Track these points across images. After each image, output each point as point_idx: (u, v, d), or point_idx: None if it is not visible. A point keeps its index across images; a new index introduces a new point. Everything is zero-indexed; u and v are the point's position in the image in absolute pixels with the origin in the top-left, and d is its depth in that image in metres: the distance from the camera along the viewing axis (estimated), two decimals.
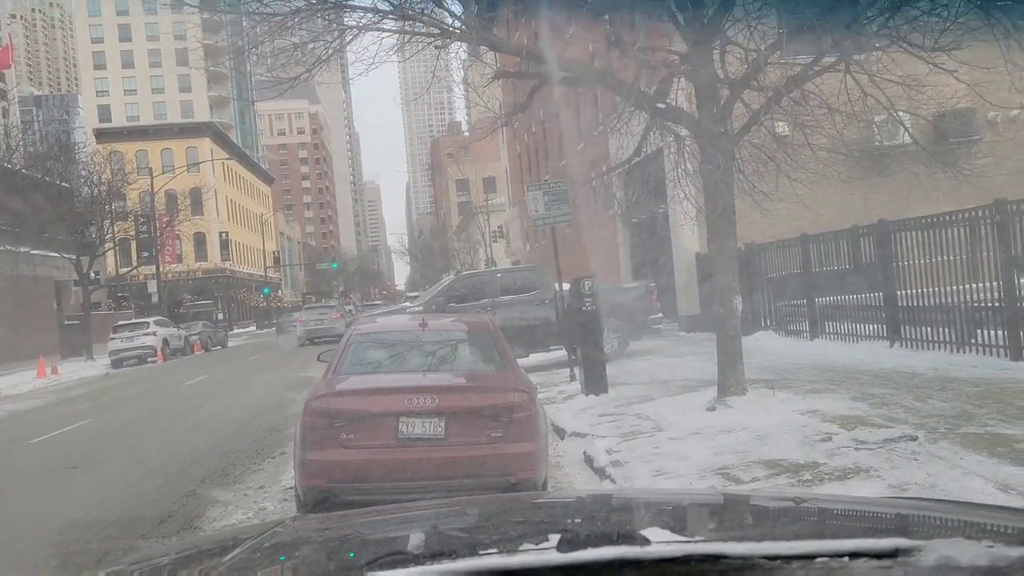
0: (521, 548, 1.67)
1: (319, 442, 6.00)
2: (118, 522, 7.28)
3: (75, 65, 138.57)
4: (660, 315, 18.69)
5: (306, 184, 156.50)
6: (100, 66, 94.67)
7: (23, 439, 13.69)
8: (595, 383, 11.25)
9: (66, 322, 41.62)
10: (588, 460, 7.89)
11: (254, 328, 71.84)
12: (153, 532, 6.79)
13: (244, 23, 11.34)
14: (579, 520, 2.08)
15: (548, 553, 1.52)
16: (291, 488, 7.16)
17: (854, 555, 1.37)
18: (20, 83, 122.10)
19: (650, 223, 23.55)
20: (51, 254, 38.64)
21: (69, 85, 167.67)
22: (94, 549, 6.47)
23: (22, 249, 37.09)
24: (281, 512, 7.07)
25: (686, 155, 10.42)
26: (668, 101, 10.22)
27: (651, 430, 8.61)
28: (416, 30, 9.77)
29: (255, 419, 13.26)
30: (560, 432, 9.30)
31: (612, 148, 19.86)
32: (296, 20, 9.56)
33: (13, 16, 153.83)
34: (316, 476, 6.01)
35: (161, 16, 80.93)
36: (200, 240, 70.19)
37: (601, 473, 7.35)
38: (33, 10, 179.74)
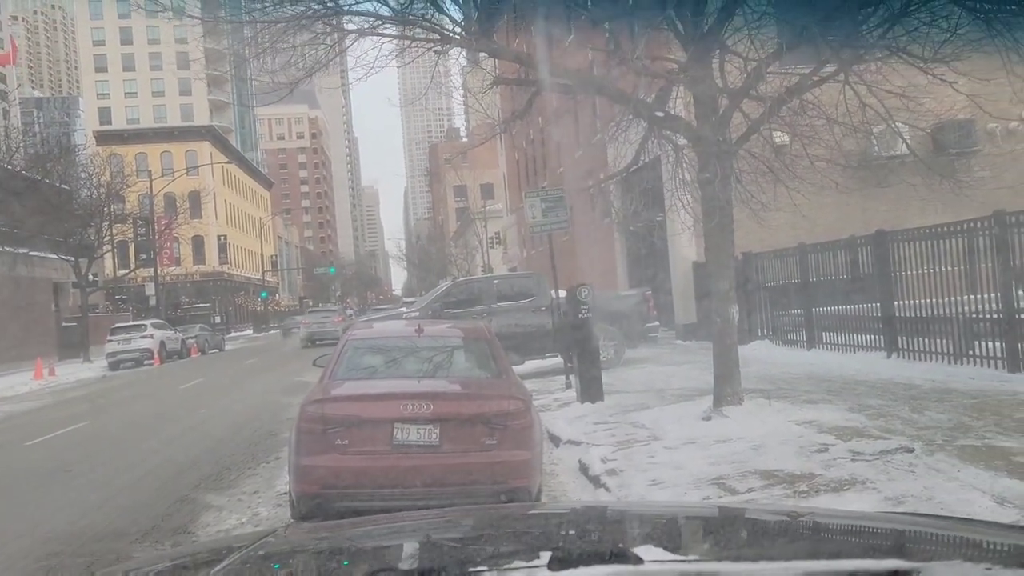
0: (511, 565, 1.65)
1: (314, 447, 5.98)
2: (112, 526, 7.26)
3: (76, 67, 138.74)
4: (657, 323, 18.65)
5: (305, 188, 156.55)
6: (101, 68, 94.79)
7: (19, 441, 13.64)
8: (591, 391, 11.22)
9: (64, 324, 41.58)
10: (583, 468, 7.87)
11: (251, 331, 71.76)
12: (147, 537, 6.77)
13: (245, 30, 11.34)
14: (572, 535, 2.05)
15: (539, 572, 1.49)
16: (285, 493, 7.13)
17: None
18: (21, 85, 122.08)
19: (647, 231, 23.54)
20: (49, 256, 38.60)
21: (70, 87, 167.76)
22: (89, 552, 6.45)
23: (21, 250, 37.05)
24: (275, 518, 7.05)
25: (684, 164, 10.40)
26: (667, 110, 10.21)
27: (647, 439, 8.58)
28: (416, 36, 9.77)
29: (250, 423, 13.24)
30: (555, 440, 9.27)
31: (610, 156, 19.86)
32: (297, 26, 9.56)
33: (15, 18, 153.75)
34: (310, 482, 5.99)
35: (162, 20, 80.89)
36: (198, 243, 70.20)
37: (596, 482, 7.32)
38: (35, 12, 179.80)
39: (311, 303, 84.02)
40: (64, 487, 9.28)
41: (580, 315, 11.45)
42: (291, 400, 13.33)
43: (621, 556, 1.53)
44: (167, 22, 78.22)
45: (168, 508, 7.74)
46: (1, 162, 35.78)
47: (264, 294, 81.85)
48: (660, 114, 9.99)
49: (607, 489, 6.99)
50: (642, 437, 8.70)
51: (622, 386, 12.63)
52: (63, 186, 38.32)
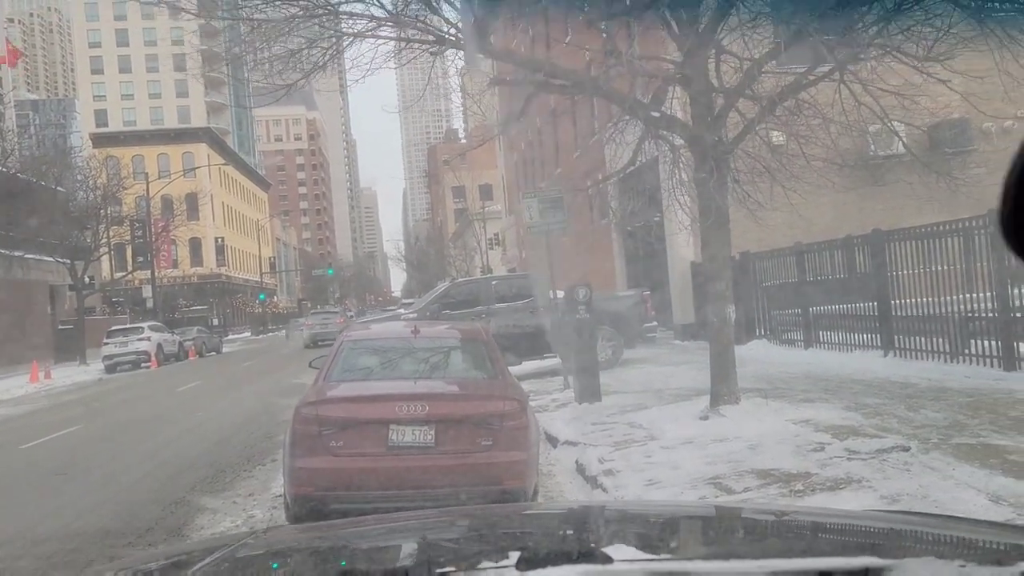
0: (481, 565, 1.64)
1: (308, 449, 5.97)
2: (106, 529, 7.24)
3: (72, 70, 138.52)
4: (655, 323, 18.65)
5: (303, 190, 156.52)
6: (97, 71, 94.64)
7: (14, 444, 13.61)
8: (588, 391, 11.22)
9: (60, 326, 41.51)
10: (580, 469, 7.86)
11: (249, 334, 71.71)
12: (141, 540, 6.74)
13: (242, 29, 11.33)
14: (552, 536, 2.05)
15: (507, 572, 1.49)
16: (281, 495, 7.12)
17: (822, 575, 1.34)
18: (17, 87, 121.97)
19: (645, 232, 23.54)
20: (46, 258, 38.54)
21: (66, 90, 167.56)
22: (84, 552, 6.43)
23: (16, 253, 37.00)
24: (270, 520, 7.04)
25: (681, 164, 10.40)
26: (663, 110, 10.21)
27: (644, 439, 8.58)
28: (411, 37, 9.77)
29: (247, 425, 13.22)
30: (553, 440, 9.27)
31: (608, 157, 19.86)
32: (293, 26, 9.56)
33: (11, 20, 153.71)
34: (305, 484, 5.97)
35: (159, 21, 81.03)
36: (196, 245, 70.18)
37: (593, 482, 7.32)
38: (31, 14, 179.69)
39: (310, 305, 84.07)
40: (59, 490, 9.27)
41: (578, 316, 11.44)
42: (288, 402, 13.27)
43: (592, 555, 1.53)
44: (164, 23, 78.28)
45: (163, 511, 7.73)
46: None
47: (262, 296, 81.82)
48: (656, 114, 9.99)
49: (604, 489, 6.99)
50: (639, 437, 8.70)
51: (620, 386, 12.63)
52: (59, 188, 38.27)
